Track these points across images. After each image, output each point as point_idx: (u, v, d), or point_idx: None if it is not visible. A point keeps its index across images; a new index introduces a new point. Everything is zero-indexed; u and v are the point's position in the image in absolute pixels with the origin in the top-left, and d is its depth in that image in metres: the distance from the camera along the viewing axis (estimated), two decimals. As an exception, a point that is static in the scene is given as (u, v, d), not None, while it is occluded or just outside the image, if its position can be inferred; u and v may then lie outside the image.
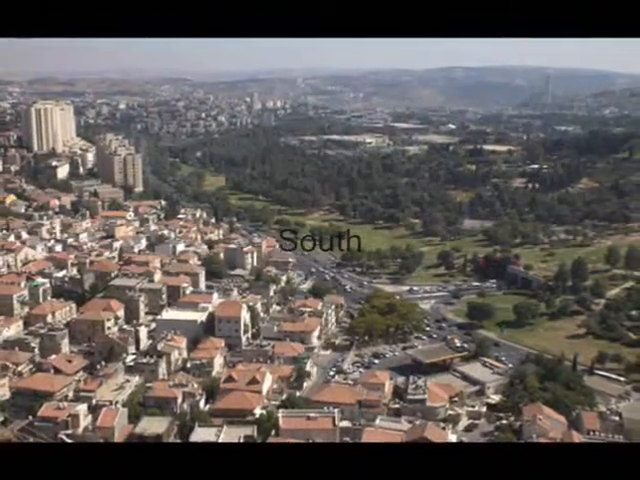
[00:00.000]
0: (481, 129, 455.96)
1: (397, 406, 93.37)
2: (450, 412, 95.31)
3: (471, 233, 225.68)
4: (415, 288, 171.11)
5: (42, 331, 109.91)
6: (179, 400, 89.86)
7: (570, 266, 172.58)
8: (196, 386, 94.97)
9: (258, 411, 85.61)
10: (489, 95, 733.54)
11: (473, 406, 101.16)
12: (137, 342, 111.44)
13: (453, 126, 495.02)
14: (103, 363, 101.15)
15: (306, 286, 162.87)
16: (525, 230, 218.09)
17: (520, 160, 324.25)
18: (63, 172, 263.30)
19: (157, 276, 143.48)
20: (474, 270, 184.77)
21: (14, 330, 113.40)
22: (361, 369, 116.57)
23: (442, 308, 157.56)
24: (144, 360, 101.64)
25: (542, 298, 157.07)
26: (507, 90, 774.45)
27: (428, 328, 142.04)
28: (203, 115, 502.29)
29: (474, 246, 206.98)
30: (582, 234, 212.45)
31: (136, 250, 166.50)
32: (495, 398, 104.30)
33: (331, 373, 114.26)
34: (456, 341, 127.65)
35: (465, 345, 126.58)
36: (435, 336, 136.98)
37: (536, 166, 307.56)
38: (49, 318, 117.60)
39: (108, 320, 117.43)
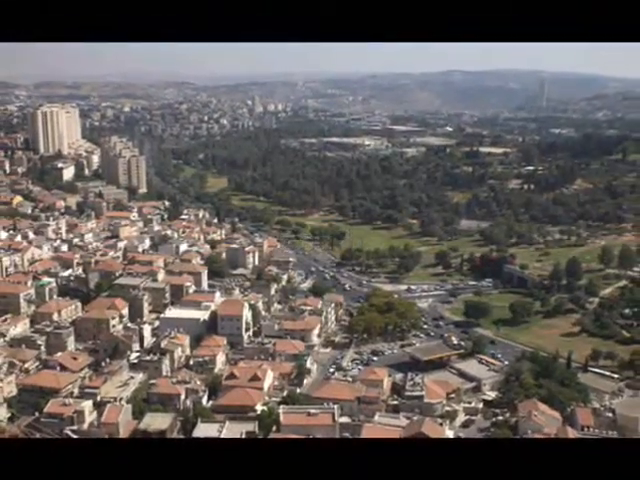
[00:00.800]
0: (477, 132, 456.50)
1: (395, 402, 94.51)
2: (447, 408, 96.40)
3: (468, 233, 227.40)
4: (413, 287, 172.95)
5: (48, 329, 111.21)
6: (182, 396, 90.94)
7: (564, 265, 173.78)
8: (199, 383, 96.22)
9: (259, 407, 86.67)
10: (485, 98, 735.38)
11: (470, 402, 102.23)
12: (141, 340, 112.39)
13: (450, 129, 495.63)
14: (108, 360, 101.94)
15: (306, 285, 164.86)
16: (520, 230, 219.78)
17: (515, 162, 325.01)
18: (69, 174, 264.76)
19: (161, 275, 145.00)
20: (471, 269, 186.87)
21: (21, 328, 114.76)
22: (360, 366, 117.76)
23: (439, 307, 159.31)
24: (148, 357, 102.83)
25: (537, 297, 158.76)
26: (502, 93, 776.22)
27: (426, 326, 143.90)
28: (206, 118, 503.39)
29: (471, 246, 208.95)
30: (576, 234, 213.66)
31: (140, 250, 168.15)
32: (491, 395, 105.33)
33: (331, 370, 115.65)
34: (453, 339, 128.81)
35: (462, 343, 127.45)
36: (432, 334, 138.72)
37: (531, 168, 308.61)
38: (55, 316, 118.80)
39: (113, 318, 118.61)
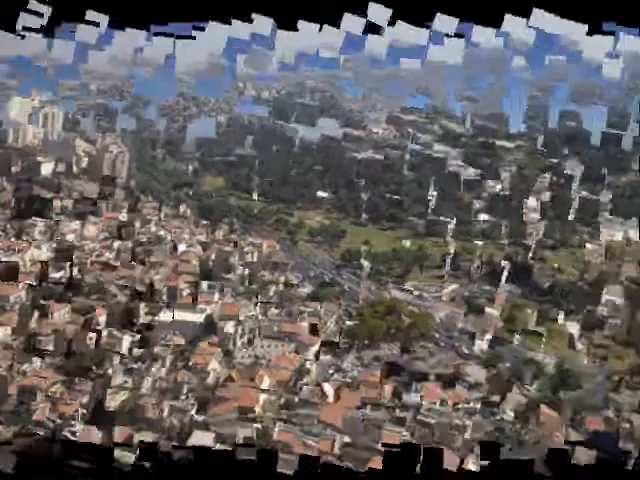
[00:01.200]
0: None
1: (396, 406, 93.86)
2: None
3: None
4: (416, 291, 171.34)
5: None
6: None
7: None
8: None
9: (257, 411, 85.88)
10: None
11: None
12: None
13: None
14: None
15: (305, 287, 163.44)
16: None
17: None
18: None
19: (156, 276, 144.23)
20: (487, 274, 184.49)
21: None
22: (360, 369, 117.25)
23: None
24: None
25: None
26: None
27: (434, 334, 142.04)
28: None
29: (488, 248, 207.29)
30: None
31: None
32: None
33: (330, 372, 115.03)
34: (463, 348, 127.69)
35: (473, 351, 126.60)
36: (443, 344, 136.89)
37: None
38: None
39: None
